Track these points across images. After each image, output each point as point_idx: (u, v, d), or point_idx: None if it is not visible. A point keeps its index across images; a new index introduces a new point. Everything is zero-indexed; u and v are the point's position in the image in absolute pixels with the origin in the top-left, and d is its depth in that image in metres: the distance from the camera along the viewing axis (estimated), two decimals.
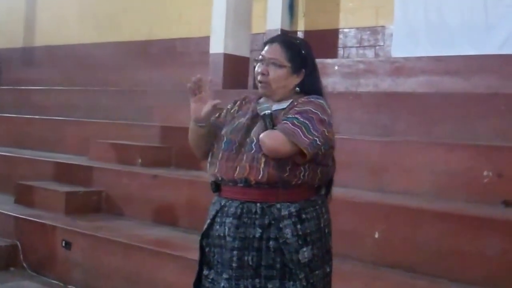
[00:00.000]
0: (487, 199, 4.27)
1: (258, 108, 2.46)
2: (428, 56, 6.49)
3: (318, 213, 2.45)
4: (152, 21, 9.90)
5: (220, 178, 2.47)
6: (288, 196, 2.39)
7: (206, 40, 8.12)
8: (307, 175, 2.39)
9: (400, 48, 7.08)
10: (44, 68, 10.95)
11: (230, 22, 7.68)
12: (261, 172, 2.35)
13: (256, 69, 2.53)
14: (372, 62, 7.15)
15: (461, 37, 6.57)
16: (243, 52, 7.84)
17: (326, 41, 7.85)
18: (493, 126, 4.99)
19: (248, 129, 2.46)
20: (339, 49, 8.02)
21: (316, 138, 2.33)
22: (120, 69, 9.68)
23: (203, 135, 2.56)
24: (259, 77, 2.50)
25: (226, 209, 2.44)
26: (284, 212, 2.37)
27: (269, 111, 2.40)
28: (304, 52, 2.53)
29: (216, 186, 2.51)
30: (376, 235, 4.08)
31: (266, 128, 2.37)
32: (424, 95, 5.86)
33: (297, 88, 2.51)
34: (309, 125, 2.33)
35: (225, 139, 2.49)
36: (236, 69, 7.69)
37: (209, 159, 2.57)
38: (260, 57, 2.52)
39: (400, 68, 6.56)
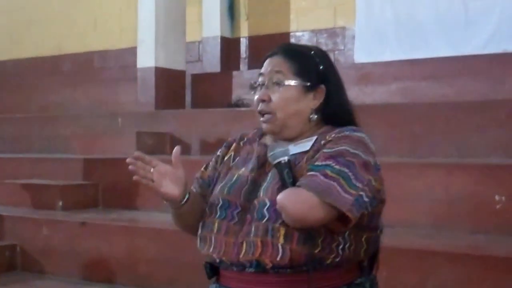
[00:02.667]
0: (502, 229, 3.98)
1: (270, 154, 1.92)
2: (400, 60, 6.35)
3: None
4: (62, 32, 9.59)
5: (217, 260, 1.95)
6: (322, 281, 1.87)
7: (129, 51, 7.89)
8: (348, 247, 1.88)
9: (365, 52, 6.97)
10: None
11: (160, 30, 7.40)
12: (281, 250, 1.82)
13: (254, 98, 2.04)
14: None
15: (436, 37, 6.51)
16: (178, 64, 7.56)
17: (276, 47, 7.62)
18: (492, 138, 4.79)
19: (255, 185, 1.95)
20: None
21: (361, 193, 1.80)
22: (25, 91, 9.30)
23: (188, 212, 2.04)
24: (258, 107, 2.00)
25: None
26: None
27: (285, 158, 1.88)
28: (319, 61, 2.03)
29: (212, 270, 2.00)
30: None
31: (284, 185, 1.84)
32: (402, 106, 5.64)
33: (314, 116, 2.01)
34: (350, 174, 1.81)
35: (220, 202, 1.98)
36: (170, 85, 7.42)
37: (199, 231, 2.04)
38: (260, 79, 2.02)
39: (368, 75, 6.43)
